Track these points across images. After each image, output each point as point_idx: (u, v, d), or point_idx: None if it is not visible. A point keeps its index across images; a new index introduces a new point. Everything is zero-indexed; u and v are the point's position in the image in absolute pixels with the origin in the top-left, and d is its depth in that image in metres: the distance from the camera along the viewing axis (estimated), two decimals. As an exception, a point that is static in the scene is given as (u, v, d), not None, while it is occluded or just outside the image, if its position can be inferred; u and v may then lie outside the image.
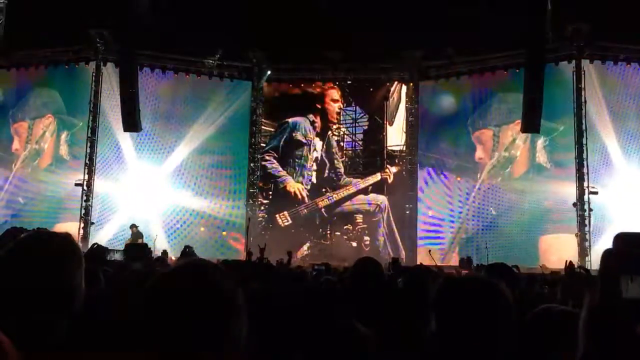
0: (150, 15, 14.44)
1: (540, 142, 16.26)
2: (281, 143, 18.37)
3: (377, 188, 17.88)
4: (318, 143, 18.20)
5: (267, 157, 18.42)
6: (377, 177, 17.90)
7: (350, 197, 17.93)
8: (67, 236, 1.60)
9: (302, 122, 18.22)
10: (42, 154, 17.72)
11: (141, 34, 14.97)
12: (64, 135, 17.62)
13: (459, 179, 17.16)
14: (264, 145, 18.58)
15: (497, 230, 16.29)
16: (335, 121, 18.43)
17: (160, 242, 15.17)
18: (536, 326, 2.10)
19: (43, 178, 17.48)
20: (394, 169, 17.83)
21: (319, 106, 18.30)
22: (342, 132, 18.63)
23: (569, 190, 15.52)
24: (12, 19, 17.37)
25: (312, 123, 18.19)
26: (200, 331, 1.14)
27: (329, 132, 18.35)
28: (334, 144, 18.37)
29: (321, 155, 18.20)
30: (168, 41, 16.49)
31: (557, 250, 14.86)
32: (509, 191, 16.47)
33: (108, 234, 16.63)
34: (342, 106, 18.37)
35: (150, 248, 11.20)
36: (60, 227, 15.74)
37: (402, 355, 2.37)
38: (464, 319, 1.46)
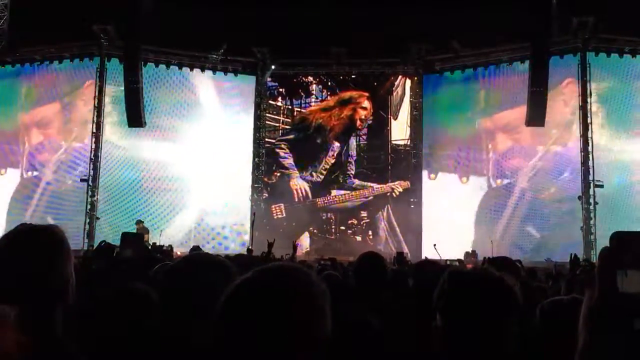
0: (154, 10, 14.46)
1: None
2: (299, 136, 18.39)
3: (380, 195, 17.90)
4: (336, 147, 18.15)
5: (283, 146, 18.44)
6: (385, 188, 17.76)
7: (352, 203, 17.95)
8: (53, 229, 1.61)
9: (324, 122, 18.16)
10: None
11: (145, 29, 15.00)
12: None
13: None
14: (268, 140, 18.62)
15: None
16: (359, 128, 18.27)
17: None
18: (546, 319, 2.11)
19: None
20: (400, 188, 17.63)
21: (347, 111, 18.16)
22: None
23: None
24: (16, 15, 17.42)
25: (331, 129, 18.08)
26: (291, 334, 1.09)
27: (350, 138, 18.25)
28: (352, 149, 18.25)
29: (336, 159, 18.17)
30: (172, 36, 16.50)
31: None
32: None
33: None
34: (369, 115, 18.21)
35: (145, 238, 11.53)
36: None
37: (410, 349, 2.38)
38: (469, 314, 1.46)
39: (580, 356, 1.07)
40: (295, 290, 1.12)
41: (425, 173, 17.57)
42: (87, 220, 16.47)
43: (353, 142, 18.27)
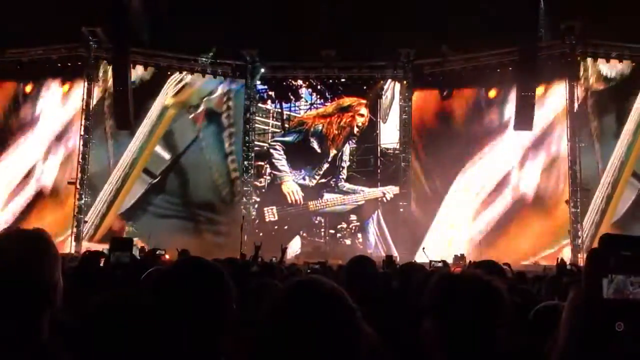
0: (144, 13, 14.40)
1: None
2: (294, 140, 18.35)
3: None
4: (332, 153, 18.10)
5: (278, 148, 18.39)
6: (377, 193, 17.78)
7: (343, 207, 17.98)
8: (39, 232, 1.60)
9: (322, 129, 18.16)
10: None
11: (134, 31, 14.93)
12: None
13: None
14: (257, 143, 18.57)
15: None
16: (356, 135, 18.25)
17: None
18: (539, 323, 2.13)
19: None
20: (390, 194, 17.65)
21: (347, 118, 18.15)
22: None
23: None
24: (3, 17, 17.23)
25: (331, 137, 18.03)
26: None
27: (346, 145, 18.24)
28: (346, 155, 18.22)
29: (330, 164, 18.14)
30: (161, 39, 16.42)
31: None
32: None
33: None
34: (366, 122, 18.22)
35: (133, 241, 11.46)
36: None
37: (400, 351, 2.39)
38: (459, 316, 1.46)
39: (560, 355, 1.08)
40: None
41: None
42: (75, 224, 16.31)
43: (347, 148, 18.30)
